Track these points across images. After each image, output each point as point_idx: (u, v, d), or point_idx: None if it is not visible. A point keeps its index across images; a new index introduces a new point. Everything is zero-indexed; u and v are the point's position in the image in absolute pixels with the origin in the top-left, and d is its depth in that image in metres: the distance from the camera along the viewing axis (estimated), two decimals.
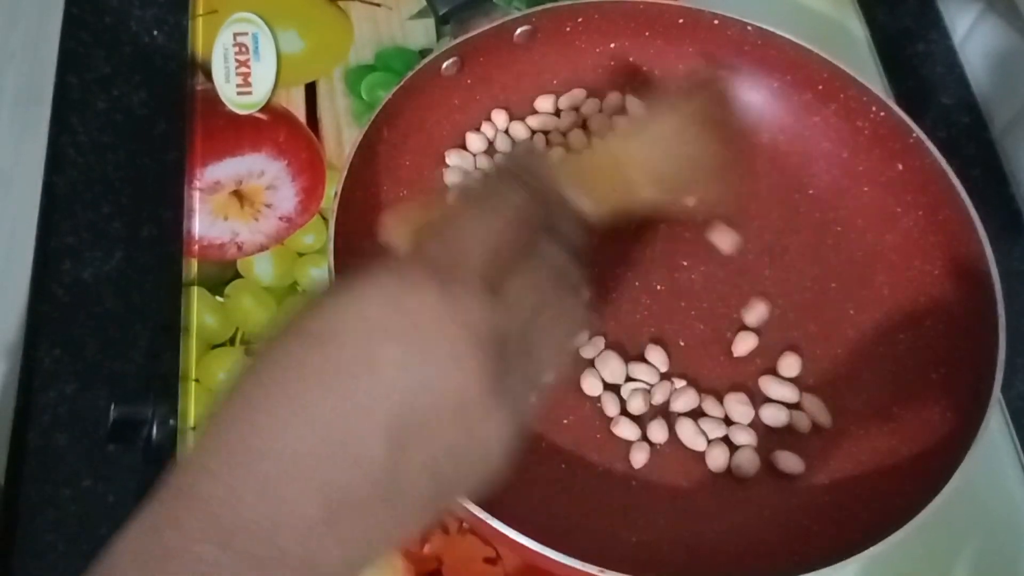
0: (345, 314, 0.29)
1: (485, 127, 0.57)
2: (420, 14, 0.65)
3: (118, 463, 0.50)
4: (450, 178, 0.56)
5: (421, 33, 0.65)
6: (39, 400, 0.51)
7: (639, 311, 0.53)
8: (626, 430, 0.50)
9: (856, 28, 0.68)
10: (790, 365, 0.52)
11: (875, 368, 0.52)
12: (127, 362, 0.53)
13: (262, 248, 0.56)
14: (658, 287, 0.54)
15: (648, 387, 0.51)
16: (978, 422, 0.46)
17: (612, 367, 0.51)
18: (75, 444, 0.51)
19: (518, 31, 0.56)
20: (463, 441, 0.29)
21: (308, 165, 0.59)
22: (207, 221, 0.57)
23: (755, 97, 0.58)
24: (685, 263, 0.54)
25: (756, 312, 0.53)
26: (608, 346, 0.52)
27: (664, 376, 0.51)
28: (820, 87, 0.56)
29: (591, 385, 0.50)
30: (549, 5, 0.56)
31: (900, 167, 0.55)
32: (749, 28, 0.56)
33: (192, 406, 0.51)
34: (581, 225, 0.37)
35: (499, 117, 0.57)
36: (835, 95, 0.56)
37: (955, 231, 0.52)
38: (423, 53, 0.63)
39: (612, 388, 0.51)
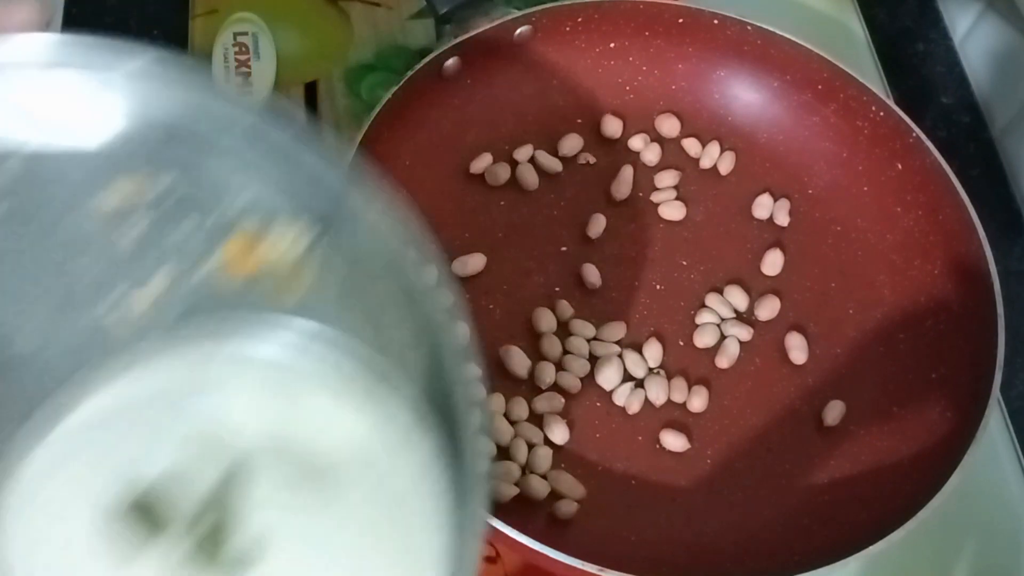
0: None
1: None
2: (420, 14, 0.65)
3: None
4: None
5: (421, 33, 0.65)
6: None
7: (639, 310, 0.53)
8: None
9: (856, 28, 0.68)
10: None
11: (875, 368, 0.52)
12: None
13: None
14: (658, 287, 0.54)
15: (642, 384, 0.51)
16: (978, 422, 0.46)
17: (608, 371, 0.51)
18: None
19: (518, 31, 0.56)
20: None
21: None
22: None
23: (755, 97, 0.58)
24: (684, 263, 0.55)
25: (756, 311, 0.53)
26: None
27: (661, 374, 0.51)
28: (820, 87, 0.56)
29: (590, 385, 0.51)
30: (549, 5, 0.56)
31: (900, 167, 0.55)
32: (749, 28, 0.56)
33: None
34: None
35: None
36: (835, 95, 0.56)
37: (955, 231, 0.52)
38: (423, 53, 0.63)
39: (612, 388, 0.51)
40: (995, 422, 0.54)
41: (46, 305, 0.30)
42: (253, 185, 0.30)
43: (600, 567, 0.42)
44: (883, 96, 0.55)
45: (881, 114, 0.55)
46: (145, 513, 0.26)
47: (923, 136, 0.53)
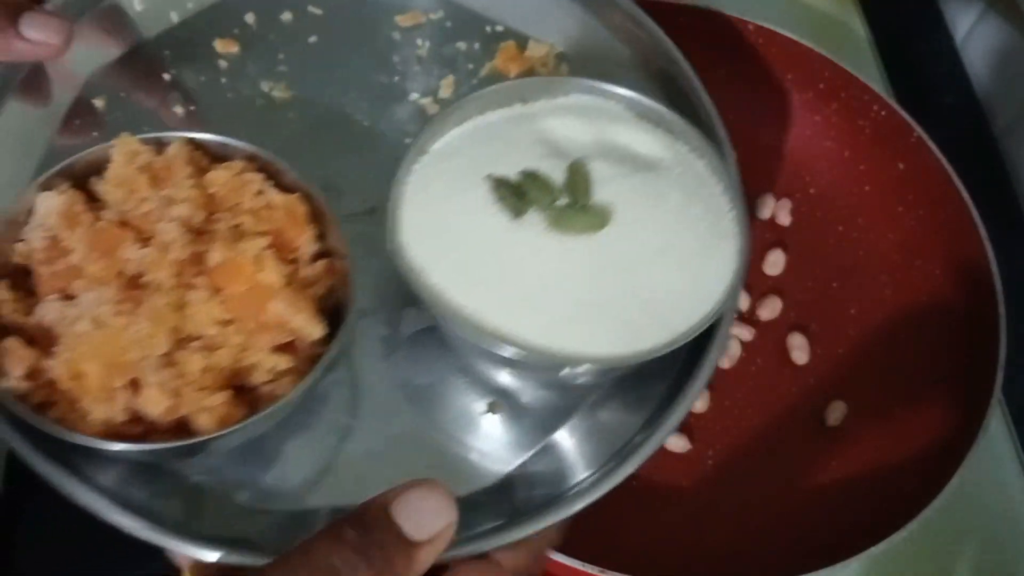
0: None
1: None
2: None
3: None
4: None
5: None
6: None
7: None
8: None
9: (858, 27, 0.68)
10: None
11: (877, 368, 0.52)
12: None
13: None
14: None
15: None
16: (979, 422, 0.46)
17: None
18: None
19: None
20: None
21: None
22: None
23: (756, 96, 0.58)
24: None
25: (758, 311, 0.53)
26: None
27: None
28: (821, 86, 0.56)
29: None
30: None
31: (901, 166, 0.55)
32: (750, 27, 0.56)
33: None
34: None
35: None
36: (836, 94, 0.56)
37: (956, 231, 0.52)
38: None
39: None
40: (996, 423, 0.54)
41: (373, 92, 0.43)
42: (509, 16, 0.45)
43: (600, 567, 0.42)
44: (885, 96, 0.55)
45: (883, 113, 0.55)
46: (520, 191, 0.35)
47: (925, 136, 0.53)
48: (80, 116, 0.40)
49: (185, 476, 0.35)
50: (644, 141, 0.38)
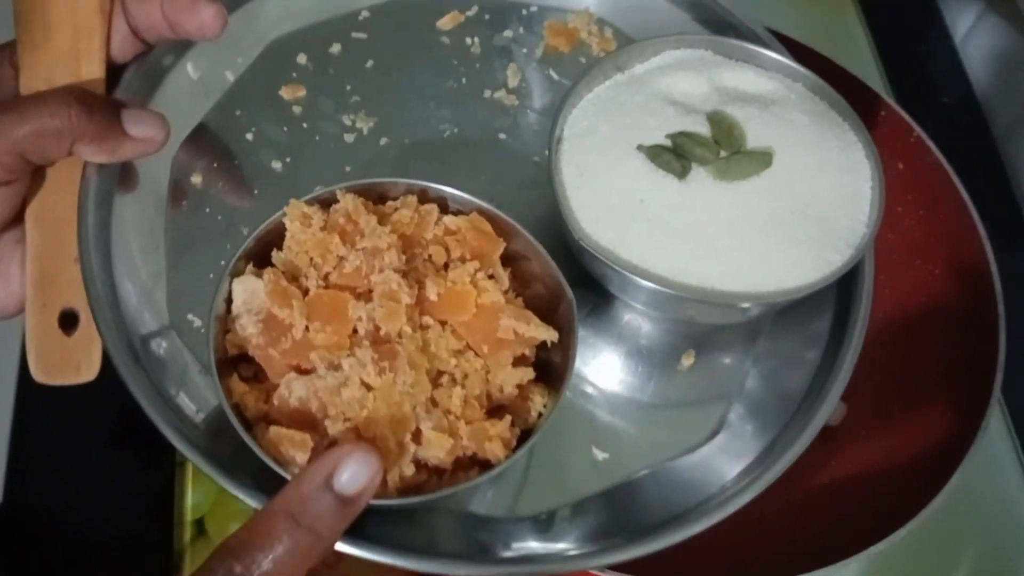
0: None
1: None
2: None
3: (118, 464, 0.50)
4: None
5: None
6: (39, 400, 0.51)
7: None
8: None
9: (857, 28, 0.68)
10: None
11: (876, 368, 0.52)
12: None
13: None
14: None
15: None
16: (978, 422, 0.46)
17: None
18: (75, 444, 0.51)
19: None
20: None
21: None
22: None
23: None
24: None
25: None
26: None
27: None
28: None
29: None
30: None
31: (901, 166, 0.55)
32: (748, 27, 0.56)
33: None
34: None
35: None
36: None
37: (956, 231, 0.52)
38: None
39: None
40: (996, 422, 0.54)
41: (448, 98, 0.44)
42: None
43: (600, 567, 0.42)
44: (884, 96, 0.55)
45: (882, 114, 0.55)
46: (682, 152, 0.37)
47: (924, 136, 0.53)
48: (184, 197, 0.40)
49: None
50: (748, 79, 0.40)
